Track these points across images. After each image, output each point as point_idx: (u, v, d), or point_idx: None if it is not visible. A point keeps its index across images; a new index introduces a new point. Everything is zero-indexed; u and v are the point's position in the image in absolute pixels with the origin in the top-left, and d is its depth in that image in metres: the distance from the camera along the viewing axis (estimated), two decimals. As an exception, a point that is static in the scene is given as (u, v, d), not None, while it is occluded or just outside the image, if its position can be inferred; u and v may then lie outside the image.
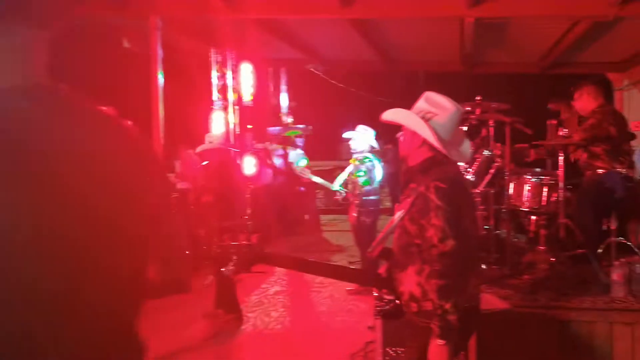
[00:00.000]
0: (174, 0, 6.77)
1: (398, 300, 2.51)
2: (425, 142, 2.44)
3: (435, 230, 2.29)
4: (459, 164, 5.08)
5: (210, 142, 5.37)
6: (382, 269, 2.63)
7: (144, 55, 7.38)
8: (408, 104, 2.61)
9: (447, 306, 2.26)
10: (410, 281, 2.43)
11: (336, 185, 6.49)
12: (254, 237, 3.69)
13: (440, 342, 2.27)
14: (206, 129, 8.49)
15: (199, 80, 9.00)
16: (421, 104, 2.52)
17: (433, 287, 2.29)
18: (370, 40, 8.69)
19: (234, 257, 3.96)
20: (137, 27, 7.61)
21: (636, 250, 4.95)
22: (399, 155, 2.70)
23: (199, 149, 5.64)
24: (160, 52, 7.03)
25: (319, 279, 6.65)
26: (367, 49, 9.26)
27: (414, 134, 2.47)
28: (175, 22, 7.72)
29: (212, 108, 8.87)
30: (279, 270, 7.14)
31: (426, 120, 2.42)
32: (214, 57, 8.96)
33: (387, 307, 2.52)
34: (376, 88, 14.37)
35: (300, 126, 11.40)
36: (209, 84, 8.96)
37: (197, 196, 5.57)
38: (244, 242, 3.36)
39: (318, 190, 11.78)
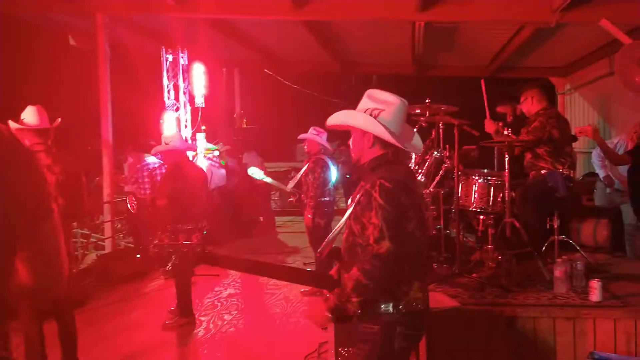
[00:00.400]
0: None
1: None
2: (376, 139, 2.39)
3: (373, 229, 2.22)
4: (410, 164, 5.25)
5: (167, 144, 5.25)
6: (333, 270, 2.60)
7: (91, 53, 7.20)
8: None
9: (354, 300, 2.22)
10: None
11: (289, 186, 6.48)
12: (194, 237, 3.69)
13: (327, 314, 2.28)
14: (157, 130, 8.35)
15: (150, 80, 8.84)
16: (365, 102, 2.46)
17: (352, 280, 2.22)
18: (324, 42, 8.74)
19: (173, 258, 3.96)
20: (84, 25, 7.42)
21: (577, 247, 5.16)
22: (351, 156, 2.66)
23: (154, 150, 5.52)
24: (107, 51, 6.87)
25: (273, 280, 6.62)
26: (321, 51, 9.31)
27: (364, 133, 2.42)
28: (125, 21, 7.56)
29: (163, 109, 8.72)
30: (233, 272, 7.08)
31: (374, 117, 2.38)
32: (165, 56, 8.80)
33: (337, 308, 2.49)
34: (331, 89, 14.45)
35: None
36: (160, 84, 8.80)
37: (153, 199, 5.46)
38: (184, 242, 3.36)
39: (273, 192, 11.76)
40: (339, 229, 2.49)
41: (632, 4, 6.00)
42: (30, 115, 3.98)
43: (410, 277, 2.33)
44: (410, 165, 2.67)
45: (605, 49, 8.18)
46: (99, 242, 7.78)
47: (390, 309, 2.30)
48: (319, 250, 2.61)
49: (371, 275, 2.20)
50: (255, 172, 6.61)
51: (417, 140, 2.58)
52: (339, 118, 2.49)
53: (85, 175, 4.26)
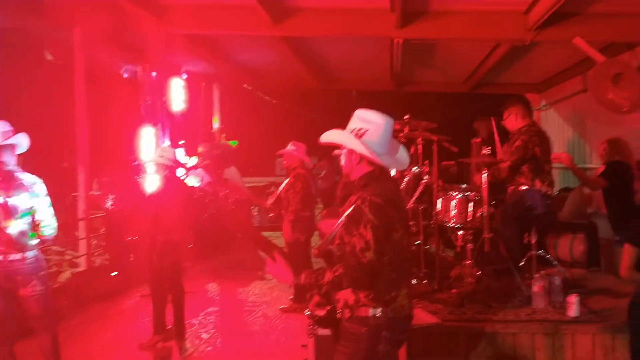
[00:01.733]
0: (99, 12, 6.54)
1: (331, 307, 2.63)
2: (363, 157, 2.56)
3: (359, 240, 2.39)
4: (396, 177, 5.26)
5: (162, 157, 5.29)
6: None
7: (68, 68, 7.11)
8: (341, 121, 2.71)
9: (323, 290, 2.45)
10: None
11: (269, 202, 6.44)
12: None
13: (289, 284, 2.54)
14: (133, 145, 8.25)
15: (127, 94, 8.75)
16: (353, 122, 2.63)
17: (332, 274, 2.39)
18: (303, 58, 8.77)
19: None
20: (61, 39, 7.33)
21: (554, 262, 5.20)
22: (334, 171, 2.81)
23: (147, 159, 5.57)
24: (84, 66, 6.79)
25: (252, 297, 6.56)
26: (300, 67, 9.34)
27: (351, 151, 2.60)
28: (102, 35, 7.49)
29: (140, 124, 8.63)
30: (211, 290, 6.99)
31: (359, 136, 2.55)
32: (143, 71, 8.73)
33: (320, 313, 2.66)
34: (310, 105, 14.50)
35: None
36: (138, 98, 8.72)
37: (135, 211, 5.46)
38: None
39: (252, 207, 11.69)
40: (332, 234, 2.67)
41: (604, 23, 6.15)
42: None
43: (399, 284, 2.52)
44: (396, 181, 2.86)
45: (579, 67, 8.36)
46: (74, 260, 7.62)
47: (379, 314, 2.48)
48: (316, 246, 2.86)
49: (350, 277, 2.40)
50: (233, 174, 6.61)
51: (402, 154, 2.74)
52: (330, 136, 2.67)
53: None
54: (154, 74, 8.87)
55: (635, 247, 3.71)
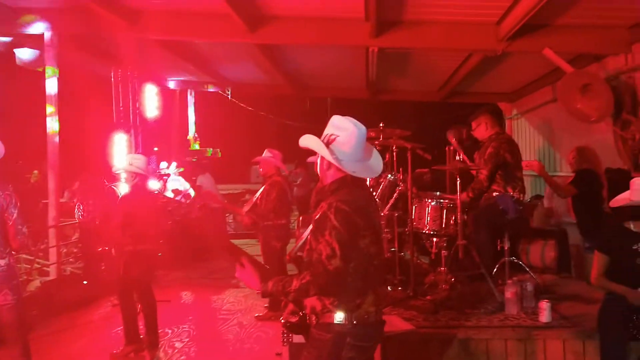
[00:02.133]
0: (72, 17, 6.45)
1: (303, 313, 2.59)
2: (332, 163, 2.57)
3: (325, 247, 2.38)
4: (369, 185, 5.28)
5: (131, 164, 5.17)
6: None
7: (39, 73, 6.99)
8: (317, 128, 2.72)
9: (291, 297, 2.46)
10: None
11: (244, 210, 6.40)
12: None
13: (257, 291, 2.51)
14: (106, 151, 8.12)
15: (99, 101, 8.63)
16: (327, 128, 2.66)
17: (300, 281, 2.39)
18: (278, 65, 8.78)
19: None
20: (32, 44, 7.20)
21: (526, 268, 5.29)
22: (310, 177, 2.80)
23: (115, 167, 5.44)
24: (55, 71, 6.68)
25: (226, 306, 6.50)
26: (276, 74, 9.34)
27: (323, 157, 2.62)
28: (74, 40, 7.38)
29: (113, 130, 8.52)
30: (185, 299, 6.91)
31: (329, 142, 2.56)
32: (115, 76, 8.61)
33: (293, 320, 2.60)
34: (286, 112, 14.50)
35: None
36: (110, 105, 8.60)
37: (106, 220, 5.35)
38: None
39: (227, 215, 11.62)
40: (301, 242, 2.71)
41: (572, 35, 6.30)
42: None
43: (364, 291, 2.50)
44: (369, 188, 2.85)
45: (549, 77, 8.54)
46: (44, 268, 7.45)
47: (343, 320, 2.46)
48: (288, 253, 2.79)
49: (317, 285, 2.39)
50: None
51: (375, 161, 2.71)
52: (305, 141, 2.67)
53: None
54: (127, 78, 8.77)
55: (604, 254, 3.81)
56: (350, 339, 2.47)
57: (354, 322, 2.46)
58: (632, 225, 3.74)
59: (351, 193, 2.52)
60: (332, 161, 2.52)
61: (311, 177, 10.37)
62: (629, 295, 3.63)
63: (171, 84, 11.12)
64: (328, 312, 2.48)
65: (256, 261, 2.69)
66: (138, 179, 5.13)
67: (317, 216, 2.52)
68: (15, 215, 3.83)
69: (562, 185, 6.16)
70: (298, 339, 3.06)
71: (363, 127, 2.63)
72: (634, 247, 3.67)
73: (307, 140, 2.65)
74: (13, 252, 3.88)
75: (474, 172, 5.64)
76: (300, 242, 2.70)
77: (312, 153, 2.68)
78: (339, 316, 2.46)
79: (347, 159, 2.54)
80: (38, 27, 6.61)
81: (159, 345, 5.09)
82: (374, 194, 5.34)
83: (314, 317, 2.55)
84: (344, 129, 2.58)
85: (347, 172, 2.54)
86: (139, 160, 5.25)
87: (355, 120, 2.62)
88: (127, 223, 4.97)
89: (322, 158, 2.61)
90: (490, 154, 5.37)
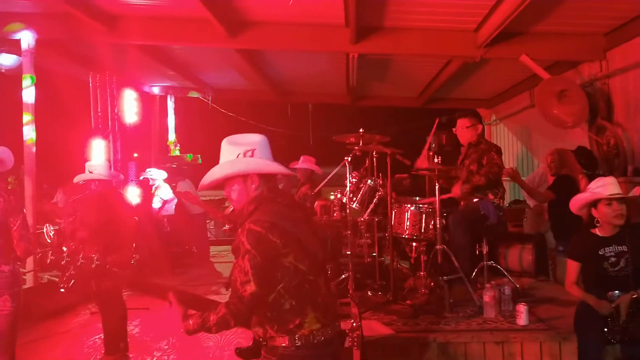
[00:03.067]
0: (49, 21, 6.38)
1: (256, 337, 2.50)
2: (260, 179, 2.44)
3: (239, 272, 2.28)
4: (342, 195, 5.29)
5: (91, 172, 4.99)
6: None
7: (15, 78, 6.88)
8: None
9: (214, 331, 2.36)
10: (255, 321, 2.43)
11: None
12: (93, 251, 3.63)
13: (183, 327, 2.40)
14: (84, 158, 8.03)
15: (77, 106, 8.54)
16: (229, 149, 2.49)
17: (217, 315, 2.30)
18: (259, 70, 8.78)
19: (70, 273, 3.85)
20: (8, 49, 7.09)
21: (504, 272, 5.35)
22: (290, 185, 2.72)
23: (77, 178, 5.22)
24: (32, 76, 6.58)
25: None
26: (257, 79, 9.34)
27: (245, 178, 2.45)
28: (51, 45, 7.30)
29: (91, 136, 8.43)
30: (164, 306, 6.84)
31: (251, 157, 2.44)
32: (93, 82, 8.54)
33: (245, 345, 2.55)
34: (267, 117, 14.45)
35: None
36: (88, 110, 8.52)
37: (73, 230, 5.17)
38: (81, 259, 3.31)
39: (208, 221, 11.53)
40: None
41: (549, 42, 6.41)
42: None
43: (302, 310, 2.36)
44: (289, 196, 2.66)
45: (526, 83, 8.67)
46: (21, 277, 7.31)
47: (286, 343, 2.35)
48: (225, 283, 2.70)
49: (234, 315, 2.30)
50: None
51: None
52: (216, 173, 2.49)
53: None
54: (106, 83, 8.70)
55: (574, 260, 3.87)
56: None
57: (297, 344, 2.34)
58: (598, 232, 3.80)
59: (266, 211, 2.38)
60: (272, 169, 2.43)
61: (292, 184, 10.34)
62: (596, 305, 3.69)
63: (151, 89, 11.04)
64: (271, 337, 2.37)
65: (187, 295, 2.57)
66: (101, 186, 4.95)
67: (234, 242, 2.39)
68: (19, 220, 3.78)
69: (540, 191, 6.24)
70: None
71: (263, 135, 2.53)
72: (600, 252, 3.73)
73: (221, 170, 2.47)
74: (19, 260, 3.84)
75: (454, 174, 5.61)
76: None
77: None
78: (282, 340, 2.35)
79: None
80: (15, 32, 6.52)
81: (129, 354, 5.03)
82: (354, 199, 5.35)
83: (263, 342, 2.43)
84: (253, 142, 2.47)
85: (269, 184, 2.44)
86: (99, 166, 5.05)
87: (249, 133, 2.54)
88: (92, 234, 4.80)
89: (245, 179, 2.45)
90: (498, 164, 5.27)
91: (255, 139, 2.48)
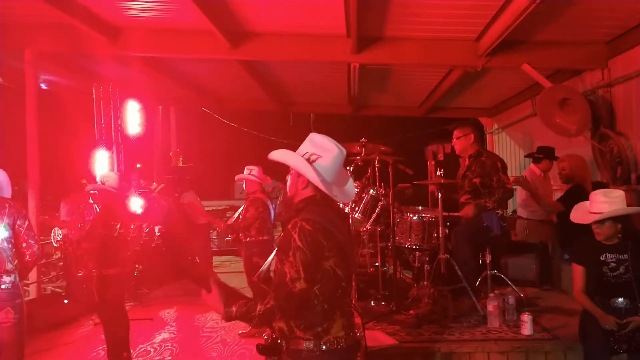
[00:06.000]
0: (52, 33, 6.42)
1: (273, 335, 2.49)
2: (310, 182, 2.50)
3: (289, 269, 2.31)
4: (343, 204, 5.27)
5: (103, 183, 5.01)
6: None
7: (19, 90, 6.92)
8: (300, 144, 2.65)
9: (255, 322, 2.35)
10: (281, 316, 2.43)
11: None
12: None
13: (218, 314, 2.40)
14: (88, 169, 8.05)
15: (81, 118, 8.58)
16: (306, 145, 2.57)
17: (264, 306, 2.31)
18: (261, 81, 8.81)
19: None
20: (11, 62, 7.15)
21: (508, 281, 5.33)
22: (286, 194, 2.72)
23: (88, 187, 5.26)
24: (36, 88, 6.62)
25: (209, 323, 6.43)
26: (259, 90, 9.37)
27: (299, 175, 2.52)
28: (54, 57, 7.35)
29: (94, 147, 8.46)
30: (168, 316, 6.82)
31: (311, 162, 2.49)
32: (96, 93, 8.58)
33: (267, 341, 2.48)
34: (269, 127, 14.50)
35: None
36: (92, 122, 8.56)
37: (79, 240, 5.18)
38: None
39: (211, 231, 11.53)
40: (270, 260, 2.59)
41: (550, 50, 6.42)
42: None
43: (332, 315, 2.41)
44: (339, 207, 2.72)
45: (529, 92, 8.68)
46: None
47: (312, 347, 2.37)
48: (255, 275, 2.69)
49: (283, 309, 2.32)
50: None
51: (350, 186, 2.67)
52: (280, 155, 2.58)
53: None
54: (109, 95, 8.74)
55: (579, 265, 3.88)
56: None
57: (323, 348, 2.37)
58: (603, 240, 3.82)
59: (317, 212, 2.44)
60: (316, 182, 2.44)
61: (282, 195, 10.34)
62: (601, 319, 3.70)
63: (153, 101, 11.08)
64: (296, 338, 2.39)
65: (224, 285, 2.57)
66: (109, 197, 4.96)
67: (281, 236, 2.44)
68: (26, 223, 3.83)
69: (549, 202, 6.19)
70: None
71: (344, 150, 2.57)
72: (602, 258, 3.78)
73: (284, 155, 2.56)
74: (27, 268, 3.92)
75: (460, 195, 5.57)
76: (268, 263, 2.62)
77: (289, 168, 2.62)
78: (308, 344, 2.37)
79: (328, 180, 2.48)
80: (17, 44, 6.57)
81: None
82: (357, 209, 5.35)
83: (283, 342, 2.44)
84: (327, 150, 2.51)
85: (324, 192, 2.46)
86: (111, 177, 5.04)
87: (336, 142, 2.56)
88: (95, 246, 4.81)
89: (299, 175, 2.53)
90: (504, 182, 5.26)
91: (329, 149, 2.53)
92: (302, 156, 2.51)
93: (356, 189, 5.36)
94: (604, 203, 3.74)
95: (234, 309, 2.36)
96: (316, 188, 2.50)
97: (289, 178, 2.60)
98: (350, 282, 2.54)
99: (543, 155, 6.72)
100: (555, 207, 5.96)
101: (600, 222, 3.75)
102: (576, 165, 6.08)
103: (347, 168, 5.31)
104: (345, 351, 2.42)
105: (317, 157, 2.50)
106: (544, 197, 6.24)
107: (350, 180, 2.70)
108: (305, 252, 2.31)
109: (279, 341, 2.46)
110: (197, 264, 9.28)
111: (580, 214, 3.94)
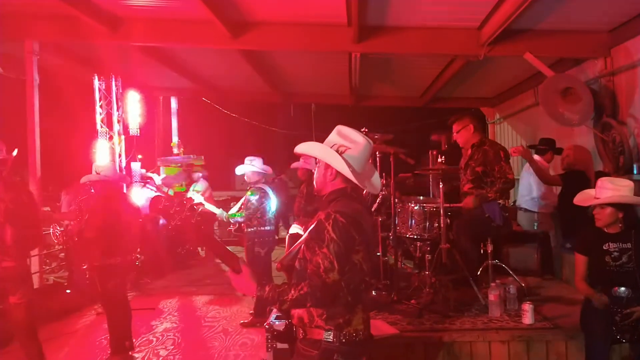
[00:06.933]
0: (52, 23, 6.40)
1: (289, 322, 2.53)
2: (339, 174, 2.51)
3: (322, 260, 2.32)
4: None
5: (98, 173, 5.01)
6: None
7: (19, 81, 6.91)
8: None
9: (285, 307, 2.35)
10: None
11: (233, 212, 6.37)
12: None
13: (253, 296, 2.38)
14: (88, 159, 8.05)
15: (82, 108, 8.56)
16: (334, 137, 2.58)
17: (298, 292, 2.31)
18: (262, 71, 8.79)
19: None
20: (12, 51, 7.13)
21: (509, 271, 5.33)
22: (283, 185, 2.72)
23: (84, 179, 5.24)
24: (36, 78, 6.60)
25: (211, 313, 6.46)
26: (260, 80, 9.35)
27: (327, 166, 2.52)
28: (55, 47, 7.32)
29: (95, 138, 8.46)
30: (170, 306, 6.85)
31: (340, 153, 2.50)
32: (97, 84, 8.56)
33: (280, 328, 2.55)
34: (270, 118, 14.47)
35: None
36: (93, 112, 8.54)
37: (80, 231, 5.18)
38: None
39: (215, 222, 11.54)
40: (296, 249, 2.58)
41: (552, 39, 6.39)
42: None
43: (354, 308, 2.44)
44: (367, 201, 2.74)
45: (531, 81, 8.64)
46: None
47: (331, 338, 2.39)
48: (278, 260, 2.69)
49: (316, 298, 2.32)
50: (194, 195, 6.43)
51: (376, 178, 2.71)
52: (307, 148, 2.60)
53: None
54: (110, 85, 8.72)
55: (582, 254, 3.89)
56: (338, 356, 2.40)
57: (343, 340, 2.39)
58: (605, 228, 3.83)
59: (349, 205, 2.45)
60: (348, 174, 2.44)
61: (284, 185, 10.30)
62: (594, 298, 3.73)
63: (154, 91, 11.06)
64: (316, 327, 2.41)
65: (249, 266, 2.60)
66: (107, 187, 4.95)
67: (313, 226, 2.44)
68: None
69: (549, 174, 6.13)
70: (282, 345, 3.04)
71: (371, 142, 2.58)
72: (605, 247, 3.79)
73: (312, 148, 2.57)
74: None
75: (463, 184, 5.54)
76: (293, 251, 2.62)
77: (296, 159, 2.63)
78: (328, 334, 2.39)
79: (357, 172, 2.49)
80: (18, 34, 6.54)
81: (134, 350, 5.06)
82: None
83: (300, 330, 2.47)
84: (355, 142, 2.52)
85: (356, 184, 2.48)
86: (106, 167, 5.03)
87: (363, 134, 2.57)
88: (96, 236, 4.82)
89: (327, 167, 2.53)
90: (505, 172, 5.22)
91: (357, 140, 2.53)
92: (331, 148, 2.52)
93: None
94: (610, 190, 3.74)
95: (267, 289, 2.36)
96: (346, 180, 2.50)
97: (315, 170, 2.61)
98: (372, 277, 2.56)
99: (547, 147, 6.68)
100: (554, 180, 5.91)
101: (601, 206, 3.75)
102: (580, 154, 6.07)
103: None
104: (361, 344, 2.45)
105: (345, 148, 2.51)
106: (543, 169, 6.16)
107: (376, 172, 2.72)
108: (339, 244, 2.33)
109: (293, 328, 2.49)
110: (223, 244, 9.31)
111: (583, 197, 3.94)
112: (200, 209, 8.79)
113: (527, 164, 6.44)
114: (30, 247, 4.40)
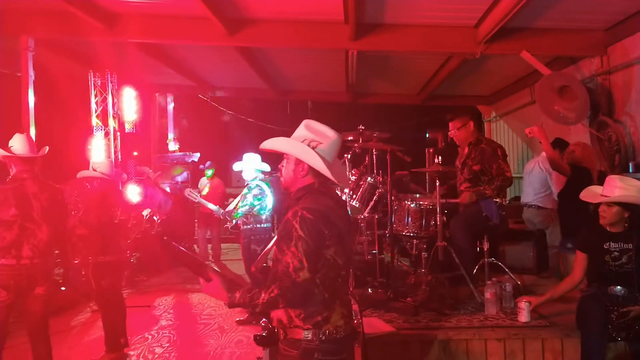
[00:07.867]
0: (48, 20, 6.36)
1: (270, 325, 2.47)
2: (310, 170, 2.44)
3: (292, 259, 2.27)
4: (342, 193, 5.26)
5: (94, 170, 4.99)
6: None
7: (15, 77, 6.88)
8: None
9: (259, 310, 2.32)
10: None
11: (221, 212, 6.35)
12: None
13: (225, 302, 2.36)
14: (84, 156, 8.02)
15: (77, 105, 8.53)
16: (303, 131, 2.50)
17: (268, 294, 2.27)
18: (258, 68, 8.77)
19: None
20: (7, 48, 7.09)
21: (505, 269, 5.33)
22: (280, 184, 2.66)
23: (80, 174, 5.22)
24: (32, 75, 6.56)
25: (207, 310, 6.45)
26: (256, 78, 9.33)
27: (298, 162, 2.45)
28: (51, 43, 7.28)
29: (90, 134, 8.42)
30: (165, 304, 6.84)
31: (312, 148, 2.42)
32: (93, 80, 8.52)
33: (264, 332, 2.46)
34: (266, 116, 14.46)
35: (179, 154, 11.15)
36: (88, 108, 8.51)
37: (73, 227, 5.16)
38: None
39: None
40: (270, 250, 2.55)
41: (549, 37, 6.39)
42: (18, 143, 4.18)
43: (332, 304, 2.39)
44: (337, 194, 2.65)
45: (527, 80, 8.66)
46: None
47: (310, 337, 2.35)
48: (253, 265, 2.68)
49: (287, 299, 2.29)
50: (192, 193, 6.40)
51: (343, 170, 2.64)
52: (274, 144, 2.51)
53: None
54: (105, 82, 8.68)
55: (583, 252, 3.89)
56: (319, 354, 2.35)
57: (322, 337, 2.35)
58: (607, 227, 3.83)
59: (316, 201, 2.38)
60: (321, 169, 2.39)
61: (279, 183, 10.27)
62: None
63: (150, 88, 11.03)
64: (295, 327, 2.36)
65: (221, 273, 2.53)
66: (103, 184, 4.94)
67: (282, 225, 2.39)
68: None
69: (560, 160, 6.02)
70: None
71: (340, 136, 2.51)
72: (605, 246, 3.78)
73: (281, 143, 2.49)
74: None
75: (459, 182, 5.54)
76: (266, 252, 2.58)
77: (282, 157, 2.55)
78: (307, 333, 2.35)
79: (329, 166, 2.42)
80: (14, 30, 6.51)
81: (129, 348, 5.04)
82: (354, 196, 5.34)
83: (281, 331, 2.42)
84: (325, 136, 2.46)
85: (323, 178, 2.42)
86: (102, 164, 5.01)
87: (330, 128, 2.51)
88: (90, 233, 4.82)
89: (298, 163, 2.46)
90: (503, 170, 5.22)
91: (328, 134, 2.47)
92: (302, 142, 2.45)
93: (353, 177, 5.34)
94: (619, 188, 3.71)
95: (237, 295, 2.33)
96: (315, 175, 2.45)
97: (283, 166, 2.52)
98: (349, 270, 2.53)
99: (558, 147, 6.59)
100: (562, 167, 5.73)
101: (608, 204, 3.73)
102: (587, 152, 6.00)
103: (345, 155, 5.28)
104: (343, 340, 2.41)
105: (317, 143, 2.44)
106: (554, 151, 6.01)
107: (344, 166, 2.69)
108: (307, 241, 2.27)
109: (275, 331, 2.44)
110: (195, 253, 9.28)
111: (590, 193, 3.92)
112: (159, 220, 8.75)
113: (530, 163, 6.43)
114: (57, 244, 4.42)
